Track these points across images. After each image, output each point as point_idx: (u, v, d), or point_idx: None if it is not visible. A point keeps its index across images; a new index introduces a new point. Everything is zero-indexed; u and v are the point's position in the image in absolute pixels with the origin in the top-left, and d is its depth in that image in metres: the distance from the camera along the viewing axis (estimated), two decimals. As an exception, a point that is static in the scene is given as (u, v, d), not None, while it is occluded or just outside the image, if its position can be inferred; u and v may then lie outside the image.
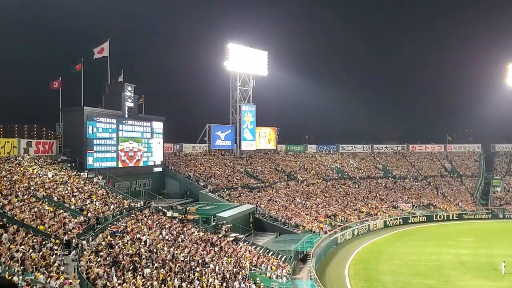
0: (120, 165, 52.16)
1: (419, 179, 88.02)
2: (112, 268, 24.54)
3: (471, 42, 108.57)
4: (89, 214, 33.72)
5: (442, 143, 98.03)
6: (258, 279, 31.66)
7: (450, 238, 58.21)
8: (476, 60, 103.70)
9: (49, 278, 21.08)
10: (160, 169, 59.86)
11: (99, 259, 25.35)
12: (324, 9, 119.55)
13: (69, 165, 45.82)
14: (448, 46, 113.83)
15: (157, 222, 38.87)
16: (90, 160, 47.45)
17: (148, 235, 33.38)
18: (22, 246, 23.78)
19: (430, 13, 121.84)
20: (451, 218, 73.53)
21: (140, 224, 35.98)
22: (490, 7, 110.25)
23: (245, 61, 76.79)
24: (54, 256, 24.24)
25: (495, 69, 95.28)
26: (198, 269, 28.92)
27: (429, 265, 43.80)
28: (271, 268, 36.06)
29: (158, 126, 59.55)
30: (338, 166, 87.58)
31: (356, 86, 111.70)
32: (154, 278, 24.84)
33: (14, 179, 34.87)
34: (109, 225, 33.15)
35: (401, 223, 68.56)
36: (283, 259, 41.16)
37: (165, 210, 44.69)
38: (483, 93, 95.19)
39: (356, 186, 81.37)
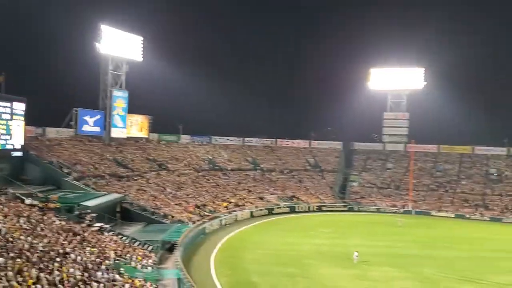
0: (-27, 147, 47.83)
1: (285, 172, 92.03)
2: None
3: (337, 47, 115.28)
4: None
5: (307, 139, 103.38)
6: (122, 269, 31.05)
7: (310, 229, 61.74)
8: (341, 64, 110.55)
9: None
10: (19, 153, 55.63)
11: None
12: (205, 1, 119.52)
13: None
14: (316, 51, 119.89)
15: (14, 209, 36.37)
16: None
17: (4, 223, 31.14)
18: None
19: (301, 19, 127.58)
20: (311, 209, 78.03)
21: (-6, 212, 33.43)
22: (357, 17, 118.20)
23: (118, 45, 74.26)
24: None
25: (359, 73, 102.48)
26: (58, 259, 27.64)
27: (290, 254, 46.05)
28: (137, 258, 35.53)
29: (19, 107, 55.14)
30: (210, 157, 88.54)
31: (231, 81, 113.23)
32: (9, 268, 23.31)
33: None
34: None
35: (267, 213, 71.37)
36: (149, 248, 40.76)
37: (24, 198, 42.02)
38: (347, 94, 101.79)
39: (227, 177, 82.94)
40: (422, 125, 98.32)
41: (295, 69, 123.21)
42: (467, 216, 79.00)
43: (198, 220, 56.58)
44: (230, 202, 70.29)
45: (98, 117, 74.13)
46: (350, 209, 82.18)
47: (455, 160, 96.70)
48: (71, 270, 26.36)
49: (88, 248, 32.61)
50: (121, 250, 36.02)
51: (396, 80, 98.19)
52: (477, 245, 56.44)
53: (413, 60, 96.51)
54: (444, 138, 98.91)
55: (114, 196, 54.46)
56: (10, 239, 28.15)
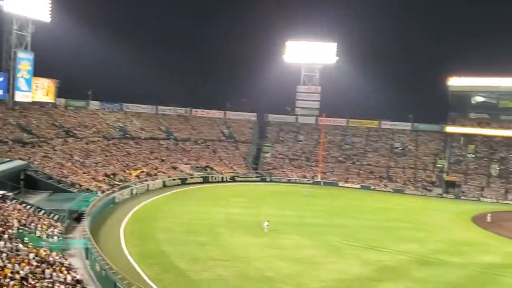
0: None
1: (199, 142, 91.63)
2: None
3: (254, 19, 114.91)
4: None
5: (222, 109, 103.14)
6: (26, 238, 29.76)
7: (223, 199, 62.32)
8: (258, 36, 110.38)
9: None
10: None
11: None
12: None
13: None
14: (232, 22, 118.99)
15: None
16: None
17: None
18: None
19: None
20: (225, 180, 78.63)
21: None
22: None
23: (24, 3, 69.40)
24: None
25: (276, 46, 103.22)
26: (-47, 229, 25.95)
27: (202, 223, 46.25)
28: (42, 227, 34.16)
29: None
30: (121, 125, 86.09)
31: (145, 46, 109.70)
32: None
33: None
34: None
35: (180, 183, 70.99)
36: (55, 218, 39.28)
37: None
38: (263, 66, 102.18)
39: (139, 146, 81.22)
40: (333, 99, 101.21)
41: (211, 39, 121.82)
42: (372, 187, 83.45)
43: (107, 189, 55.18)
44: (142, 172, 69.14)
45: (0, 79, 69.39)
46: (263, 180, 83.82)
47: (363, 134, 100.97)
48: (-32, 240, 24.89)
49: (-13, 217, 30.86)
50: (25, 219, 34.46)
51: (310, 54, 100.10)
52: (380, 215, 59.86)
53: (327, 35, 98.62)
54: (353, 112, 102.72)
55: (17, 163, 51.70)
56: None
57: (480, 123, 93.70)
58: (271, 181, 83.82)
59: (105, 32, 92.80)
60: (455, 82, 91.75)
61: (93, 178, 58.88)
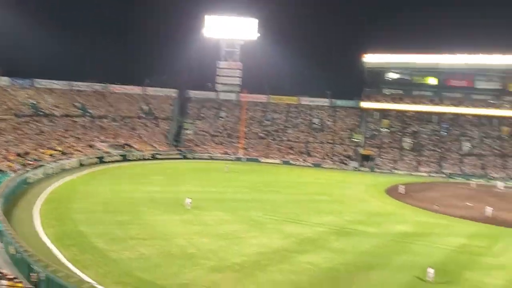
0: None
1: (117, 119, 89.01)
2: None
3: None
4: None
5: (141, 85, 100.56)
6: None
7: (143, 177, 61.26)
8: (176, 9, 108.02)
9: None
10: None
11: None
12: None
13: None
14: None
15: None
16: None
17: None
18: None
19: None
20: (145, 157, 77.22)
21: None
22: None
23: None
24: None
25: (196, 20, 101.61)
26: None
27: (122, 202, 45.15)
28: None
29: None
30: (33, 102, 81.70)
31: (57, 18, 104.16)
32: None
33: None
34: None
35: (97, 162, 68.89)
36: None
37: None
38: (182, 41, 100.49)
39: (52, 124, 77.64)
40: (254, 75, 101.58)
41: (128, 12, 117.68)
42: (292, 162, 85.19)
43: (19, 169, 52.46)
44: (56, 150, 66.29)
45: None
46: (184, 157, 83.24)
47: (283, 110, 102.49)
48: None
49: None
50: None
51: (230, 29, 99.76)
52: (301, 189, 61.43)
53: (248, 10, 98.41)
54: (273, 88, 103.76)
55: None
56: None
57: (394, 99, 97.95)
58: (193, 158, 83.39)
59: (14, 3, 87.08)
60: (370, 58, 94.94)
61: (4, 158, 55.80)
